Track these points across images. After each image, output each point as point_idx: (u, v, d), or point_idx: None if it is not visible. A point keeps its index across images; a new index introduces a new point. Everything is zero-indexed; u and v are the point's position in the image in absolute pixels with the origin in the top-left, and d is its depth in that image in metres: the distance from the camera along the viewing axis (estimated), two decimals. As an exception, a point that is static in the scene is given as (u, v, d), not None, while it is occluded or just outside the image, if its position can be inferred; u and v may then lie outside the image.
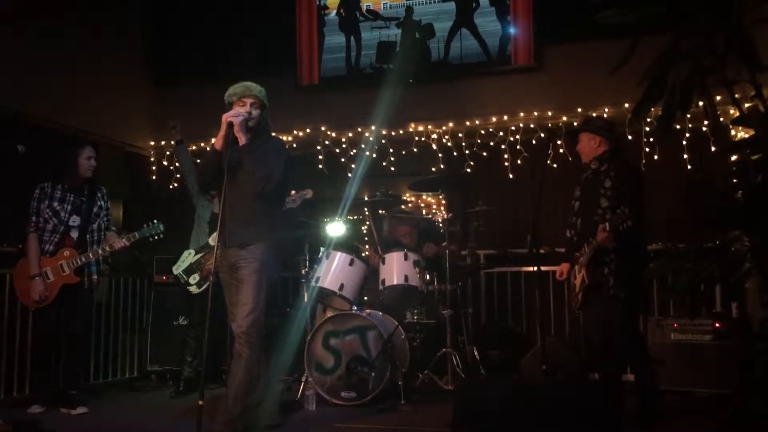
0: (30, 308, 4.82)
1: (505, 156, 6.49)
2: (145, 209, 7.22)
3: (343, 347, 4.88)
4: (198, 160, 5.81)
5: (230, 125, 3.69)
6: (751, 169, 1.99)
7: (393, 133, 6.75)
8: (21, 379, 5.27)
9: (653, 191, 4.81)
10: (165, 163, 7.39)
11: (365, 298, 5.44)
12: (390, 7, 7.07)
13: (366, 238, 7.31)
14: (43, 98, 6.10)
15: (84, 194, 4.87)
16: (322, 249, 5.31)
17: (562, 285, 6.10)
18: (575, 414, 3.43)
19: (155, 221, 4.93)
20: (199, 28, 7.39)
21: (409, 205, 7.51)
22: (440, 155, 6.64)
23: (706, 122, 5.75)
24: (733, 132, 5.43)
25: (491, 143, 6.55)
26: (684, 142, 5.96)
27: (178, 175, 7.06)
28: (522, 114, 6.42)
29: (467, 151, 6.59)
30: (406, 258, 5.17)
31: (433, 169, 6.60)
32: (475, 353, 5.31)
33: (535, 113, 6.39)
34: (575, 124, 6.27)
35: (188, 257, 5.47)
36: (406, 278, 5.11)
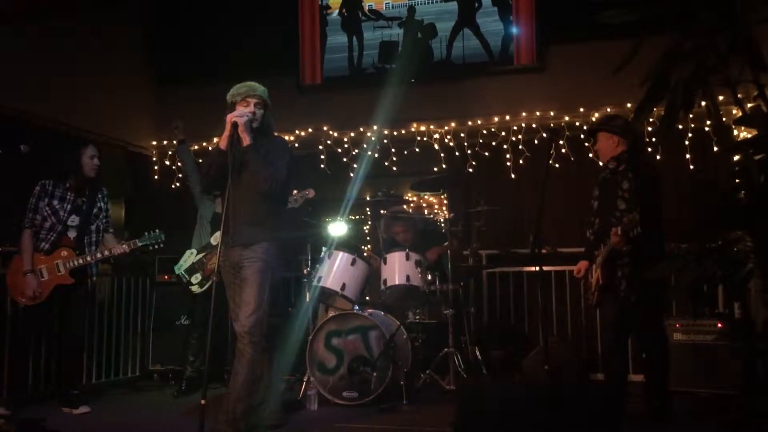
0: (20, 304, 4.72)
1: (507, 156, 6.48)
2: (147, 209, 7.24)
3: (345, 347, 4.88)
4: (200, 160, 5.81)
5: (234, 125, 3.70)
6: (754, 169, 1.99)
7: (395, 133, 6.75)
8: (21, 378, 5.25)
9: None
10: (167, 162, 7.40)
11: (367, 297, 5.44)
12: (392, 7, 7.07)
13: (368, 238, 7.32)
14: (45, 98, 6.10)
15: (85, 195, 4.84)
16: (324, 249, 5.31)
17: (564, 285, 6.13)
18: (577, 414, 3.42)
19: (157, 230, 4.87)
20: (201, 27, 7.38)
21: (411, 204, 7.51)
22: (442, 155, 6.64)
23: (708, 122, 5.74)
24: (735, 132, 5.42)
25: (493, 143, 6.54)
26: (687, 142, 5.96)
27: (180, 175, 7.07)
28: (524, 114, 6.42)
29: (469, 151, 6.58)
30: (407, 258, 5.17)
31: (435, 169, 6.60)
32: (477, 353, 5.31)
33: (538, 113, 6.39)
34: (578, 125, 6.29)
35: (190, 257, 5.47)
36: (408, 278, 5.10)
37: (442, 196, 7.38)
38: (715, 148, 5.81)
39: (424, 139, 6.68)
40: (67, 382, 4.83)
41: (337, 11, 7.21)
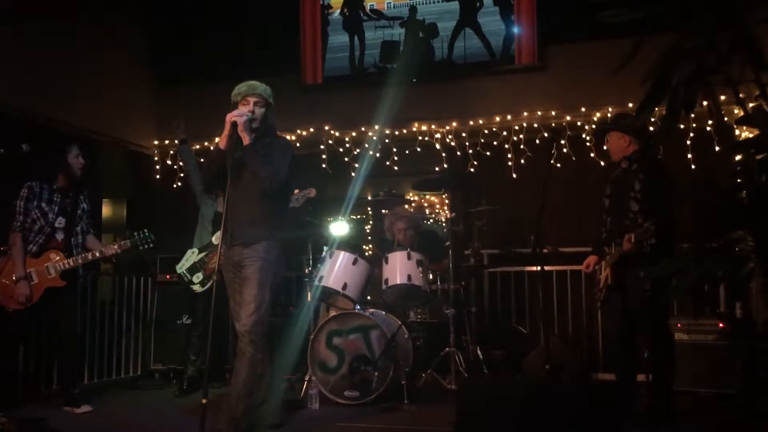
0: (7, 309, 4.59)
1: (509, 155, 6.49)
2: (148, 209, 7.25)
3: (346, 346, 4.88)
4: (201, 159, 5.82)
5: (234, 125, 3.70)
6: (756, 168, 1.99)
7: (396, 133, 6.75)
8: (22, 378, 5.27)
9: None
10: (168, 162, 7.40)
11: (368, 297, 5.44)
12: (393, 7, 7.07)
13: (369, 237, 7.32)
14: (46, 98, 6.11)
15: (69, 196, 4.79)
16: (325, 248, 5.31)
17: (565, 284, 6.13)
18: (578, 414, 3.42)
19: (146, 231, 4.83)
20: (203, 27, 7.39)
21: (413, 204, 7.52)
22: (443, 155, 6.64)
23: (710, 122, 5.73)
24: (737, 131, 5.42)
25: (494, 143, 6.54)
26: (688, 142, 5.95)
27: (181, 175, 7.07)
28: (525, 113, 6.42)
29: (470, 151, 6.58)
30: (409, 257, 5.17)
31: (437, 169, 6.61)
32: (479, 353, 5.31)
33: (539, 113, 6.39)
34: (579, 124, 6.28)
35: (191, 256, 5.48)
36: (409, 278, 5.10)
37: (444, 196, 7.39)
38: (717, 148, 5.80)
39: (426, 138, 6.68)
40: (67, 382, 4.83)
41: (338, 11, 7.21)
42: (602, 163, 6.02)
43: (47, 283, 4.63)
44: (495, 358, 5.47)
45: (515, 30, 6.69)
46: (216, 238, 5.27)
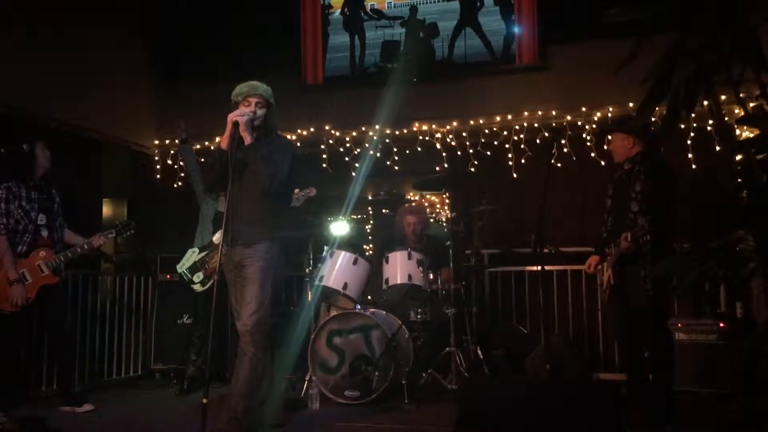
0: (4, 311, 4.56)
1: (509, 155, 6.48)
2: (149, 208, 7.25)
3: (346, 346, 4.88)
4: (202, 159, 5.82)
5: (235, 125, 3.71)
6: (756, 168, 1.99)
7: (397, 132, 6.75)
8: (23, 377, 5.27)
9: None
10: (169, 162, 7.40)
11: (369, 297, 5.44)
12: (394, 6, 7.07)
13: (370, 237, 7.32)
14: (47, 98, 6.10)
15: (44, 192, 4.78)
16: (325, 248, 5.31)
17: (566, 284, 6.12)
18: (579, 413, 3.43)
19: (125, 219, 4.88)
20: (203, 27, 7.39)
21: (413, 204, 7.51)
22: (444, 154, 6.64)
23: (710, 122, 5.73)
24: (738, 131, 5.41)
25: (495, 142, 6.54)
26: (689, 142, 5.95)
27: (182, 174, 7.07)
28: (526, 113, 6.42)
29: (471, 151, 6.58)
30: (409, 257, 5.17)
31: (437, 169, 6.60)
32: (479, 352, 5.30)
33: (540, 112, 6.38)
34: (580, 124, 6.28)
35: (192, 256, 5.48)
36: (410, 277, 5.11)
37: (444, 196, 7.38)
38: (717, 148, 5.80)
39: (426, 138, 6.68)
40: (65, 381, 4.84)
41: (339, 10, 7.21)
42: (603, 163, 6.02)
43: (42, 281, 4.64)
44: (495, 358, 5.47)
45: (516, 30, 6.69)
46: (216, 238, 5.27)
